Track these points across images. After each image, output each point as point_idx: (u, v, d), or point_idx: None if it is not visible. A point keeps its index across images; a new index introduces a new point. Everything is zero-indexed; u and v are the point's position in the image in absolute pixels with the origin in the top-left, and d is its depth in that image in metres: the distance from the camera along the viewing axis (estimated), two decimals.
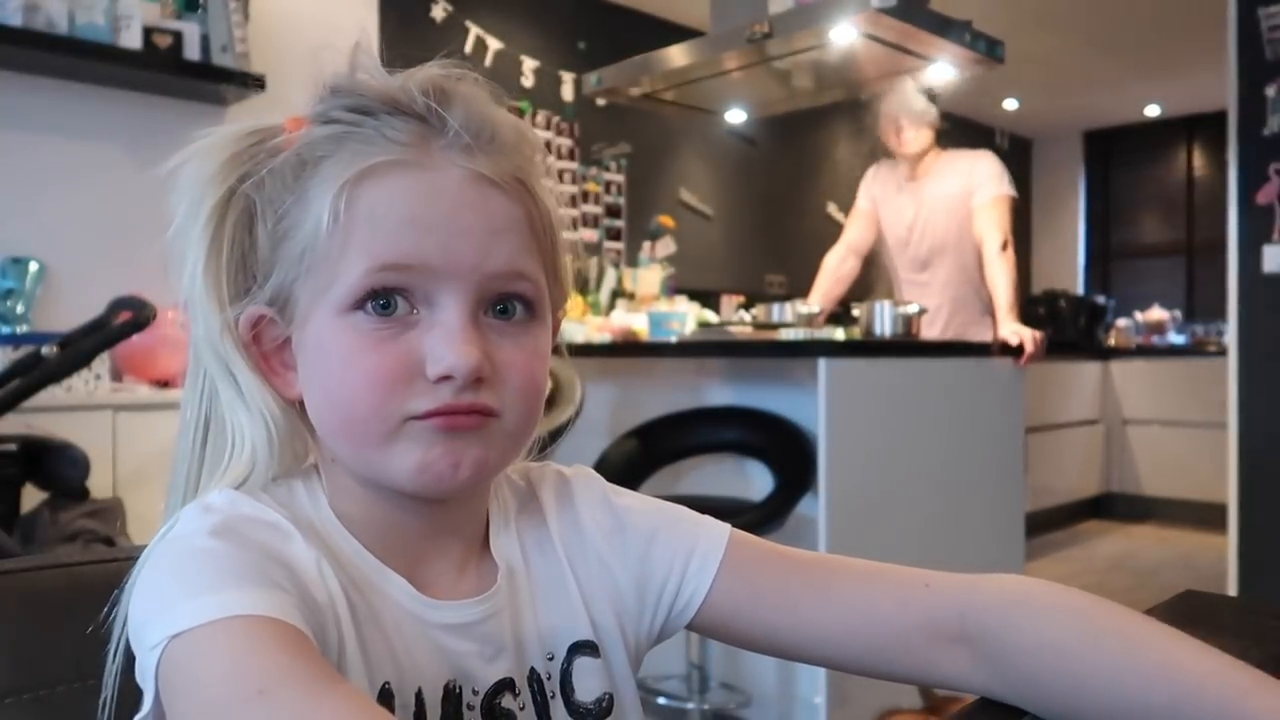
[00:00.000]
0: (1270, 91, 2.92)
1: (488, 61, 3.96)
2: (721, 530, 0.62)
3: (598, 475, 0.65)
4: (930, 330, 2.95)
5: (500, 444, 0.53)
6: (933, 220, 3.00)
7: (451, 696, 0.54)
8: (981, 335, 2.89)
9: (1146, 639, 0.50)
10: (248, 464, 0.53)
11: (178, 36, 2.79)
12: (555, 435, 0.68)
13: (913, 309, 2.54)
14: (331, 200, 0.49)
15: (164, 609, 0.44)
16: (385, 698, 0.51)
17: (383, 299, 0.50)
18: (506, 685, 0.56)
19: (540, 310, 0.54)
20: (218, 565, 0.46)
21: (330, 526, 0.54)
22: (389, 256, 0.49)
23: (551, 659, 0.58)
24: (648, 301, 3.92)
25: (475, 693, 0.54)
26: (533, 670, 0.57)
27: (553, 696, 0.57)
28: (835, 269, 3.22)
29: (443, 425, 0.50)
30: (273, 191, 0.52)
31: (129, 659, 0.48)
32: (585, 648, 0.59)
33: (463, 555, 0.58)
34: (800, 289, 3.76)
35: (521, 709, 0.56)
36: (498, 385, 0.51)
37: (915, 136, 2.95)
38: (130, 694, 0.48)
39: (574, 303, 3.33)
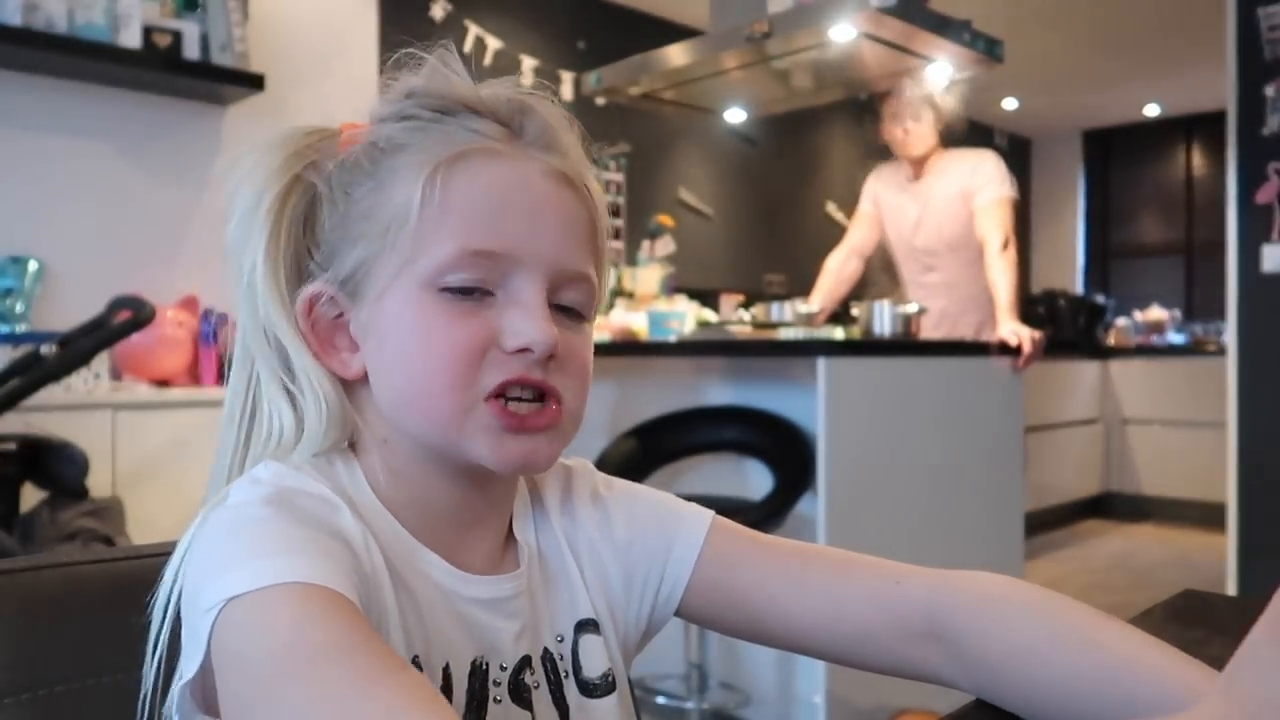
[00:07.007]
0: (1269, 91, 2.91)
1: (487, 61, 3.95)
2: (702, 519, 0.63)
3: (592, 467, 0.67)
4: (939, 331, 2.94)
5: (567, 435, 0.55)
6: (936, 220, 2.99)
7: (478, 672, 0.55)
8: (994, 335, 2.88)
9: (1100, 637, 0.51)
10: (285, 449, 0.55)
11: (177, 36, 2.78)
12: None
13: (912, 308, 2.54)
14: (425, 179, 0.52)
15: (221, 572, 0.44)
16: None
17: (470, 280, 0.52)
18: (526, 663, 0.57)
19: (590, 313, 0.57)
20: (274, 531, 0.46)
21: (367, 503, 0.55)
22: (480, 243, 0.52)
23: (561, 640, 0.60)
24: (647, 301, 3.90)
25: (503, 669, 0.56)
26: (546, 650, 0.59)
27: (565, 675, 0.59)
28: (838, 270, 3.21)
29: (511, 426, 0.52)
30: (345, 177, 0.55)
31: (168, 652, 0.48)
32: (588, 625, 0.61)
33: (493, 538, 0.60)
34: (800, 288, 3.75)
35: (536, 687, 0.57)
36: (561, 371, 0.54)
37: (921, 138, 2.94)
38: (168, 690, 0.48)
39: None
